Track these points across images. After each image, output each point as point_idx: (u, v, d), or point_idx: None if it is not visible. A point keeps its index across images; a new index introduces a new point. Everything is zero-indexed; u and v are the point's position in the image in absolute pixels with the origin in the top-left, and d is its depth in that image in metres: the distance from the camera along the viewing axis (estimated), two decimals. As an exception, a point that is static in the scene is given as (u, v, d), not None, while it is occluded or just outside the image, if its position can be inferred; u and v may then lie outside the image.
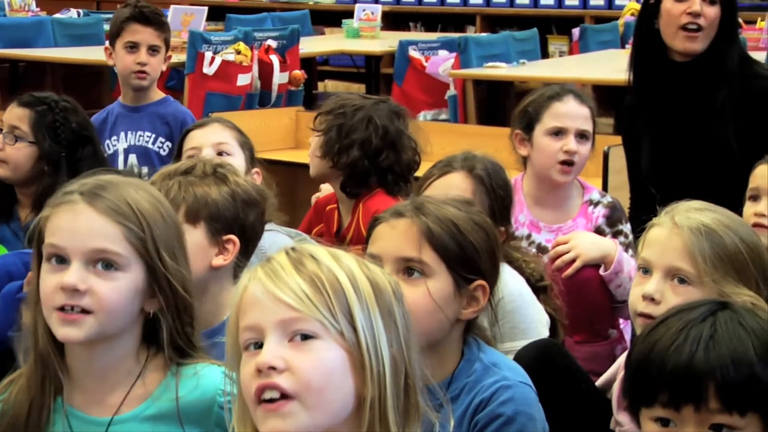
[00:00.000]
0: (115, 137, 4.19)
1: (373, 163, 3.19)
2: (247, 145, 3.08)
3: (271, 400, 1.50)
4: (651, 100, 3.47)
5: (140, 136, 4.16)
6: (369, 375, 1.51)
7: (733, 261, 2.05)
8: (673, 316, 1.65)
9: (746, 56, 3.44)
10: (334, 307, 1.51)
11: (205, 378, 1.86)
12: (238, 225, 2.34)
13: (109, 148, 4.17)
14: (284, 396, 1.49)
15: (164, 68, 4.23)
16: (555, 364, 2.33)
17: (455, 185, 2.66)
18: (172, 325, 1.85)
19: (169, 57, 4.23)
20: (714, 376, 1.54)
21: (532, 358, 2.28)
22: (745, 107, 3.33)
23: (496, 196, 2.67)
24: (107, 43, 4.23)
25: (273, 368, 1.49)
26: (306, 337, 1.50)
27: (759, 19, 6.07)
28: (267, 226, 2.83)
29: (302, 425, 1.49)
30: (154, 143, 4.16)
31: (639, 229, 2.24)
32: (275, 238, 2.88)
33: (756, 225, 2.78)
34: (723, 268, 2.04)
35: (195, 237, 2.27)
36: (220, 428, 1.84)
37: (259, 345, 1.52)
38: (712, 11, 3.32)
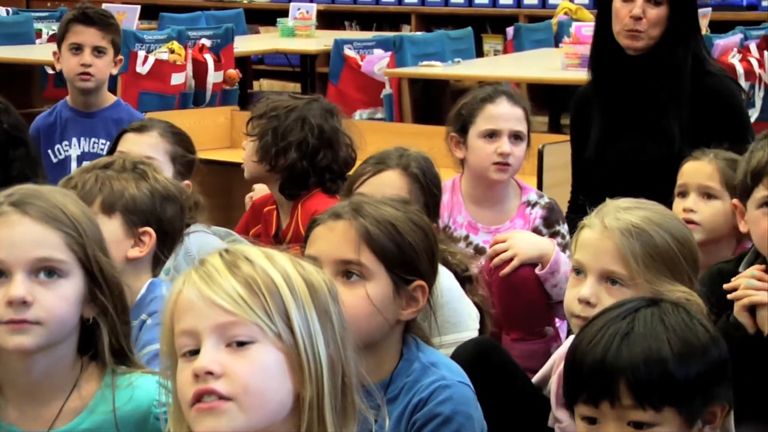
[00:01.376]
0: (66, 143, 4.08)
1: (311, 163, 3.19)
2: (180, 159, 3.03)
3: None
4: (605, 90, 3.47)
5: (95, 143, 4.07)
6: (307, 376, 1.51)
7: (665, 258, 2.06)
8: (602, 315, 1.69)
9: (700, 54, 3.46)
10: (270, 310, 1.50)
11: (140, 389, 1.84)
12: (155, 218, 2.35)
13: (60, 154, 4.08)
14: (221, 398, 1.48)
15: (114, 71, 4.12)
16: (492, 362, 2.34)
17: (390, 183, 2.67)
18: (111, 329, 1.83)
19: (120, 60, 4.11)
20: (625, 373, 1.57)
21: (469, 356, 2.29)
22: (693, 104, 3.36)
23: (431, 193, 2.68)
24: (55, 47, 4.15)
25: (210, 373, 1.48)
26: (243, 342, 1.50)
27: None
28: (194, 227, 2.83)
29: (237, 425, 1.48)
30: None
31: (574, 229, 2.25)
32: (205, 239, 2.87)
33: (685, 221, 2.82)
34: (655, 267, 2.05)
35: (110, 228, 2.26)
36: None
37: (195, 350, 1.51)
38: (655, 12, 3.34)
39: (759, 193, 2.48)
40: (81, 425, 1.83)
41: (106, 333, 1.82)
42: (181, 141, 3.07)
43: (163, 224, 2.36)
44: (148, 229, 2.33)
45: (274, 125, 3.20)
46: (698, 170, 2.88)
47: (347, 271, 1.97)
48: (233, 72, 6.24)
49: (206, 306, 1.50)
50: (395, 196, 2.37)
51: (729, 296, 2.47)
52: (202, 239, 2.87)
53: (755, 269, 2.47)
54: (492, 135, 3.22)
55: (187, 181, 3.00)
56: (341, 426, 1.53)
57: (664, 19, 3.35)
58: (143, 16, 7.05)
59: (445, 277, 2.56)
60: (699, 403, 1.60)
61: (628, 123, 3.44)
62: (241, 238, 3.06)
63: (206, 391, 1.48)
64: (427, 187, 2.68)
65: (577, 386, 1.62)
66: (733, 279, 2.49)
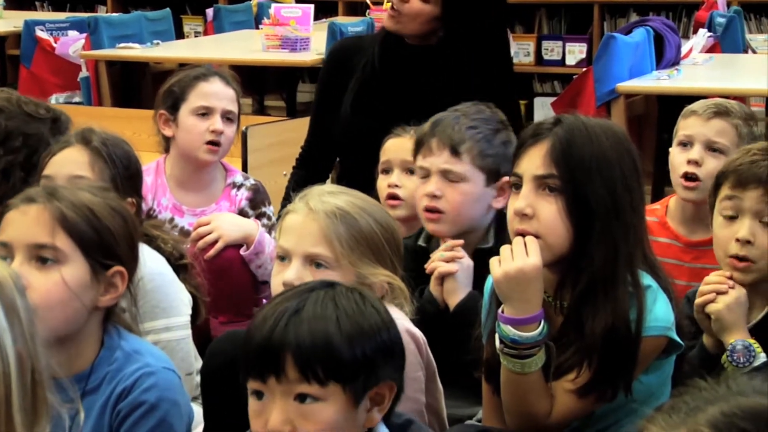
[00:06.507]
0: None
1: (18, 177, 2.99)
2: None
3: None
4: (388, 77, 3.28)
5: None
6: None
7: (369, 242, 2.09)
8: (279, 295, 1.70)
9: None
10: None
11: None
12: None
13: None
14: None
15: None
16: None
17: (73, 159, 2.58)
18: None
19: None
20: (291, 347, 1.59)
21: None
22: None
23: (117, 167, 2.61)
24: None
25: None
26: None
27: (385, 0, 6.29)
28: None
29: None
30: None
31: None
32: None
33: (390, 196, 2.88)
34: (359, 250, 2.07)
35: None
36: None
37: None
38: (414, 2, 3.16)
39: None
40: None
41: None
42: None
43: None
44: None
45: None
46: (401, 147, 2.93)
47: (41, 255, 1.91)
48: None
49: None
50: (94, 183, 2.31)
51: (426, 270, 2.55)
52: None
53: (451, 243, 2.57)
54: (205, 113, 3.19)
55: None
56: (32, 424, 1.46)
57: (424, 11, 3.16)
58: None
59: (155, 262, 2.52)
60: (364, 382, 1.62)
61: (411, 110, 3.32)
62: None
63: None
64: (111, 160, 2.60)
65: (246, 363, 1.63)
66: (432, 254, 2.58)
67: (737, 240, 2.31)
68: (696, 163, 2.89)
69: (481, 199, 2.60)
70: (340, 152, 3.38)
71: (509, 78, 3.38)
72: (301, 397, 1.60)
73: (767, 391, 1.07)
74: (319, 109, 3.42)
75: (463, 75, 3.23)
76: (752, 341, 2.27)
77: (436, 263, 2.54)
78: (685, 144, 2.94)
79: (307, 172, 3.34)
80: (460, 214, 2.57)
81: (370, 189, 2.38)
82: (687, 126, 2.95)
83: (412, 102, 3.22)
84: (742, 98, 4.81)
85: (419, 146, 2.62)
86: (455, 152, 2.56)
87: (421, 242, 2.67)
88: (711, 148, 2.90)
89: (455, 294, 2.51)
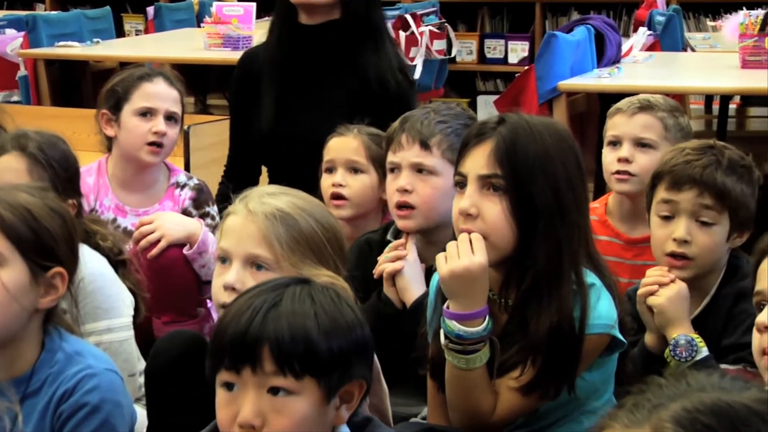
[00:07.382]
0: None
1: None
2: None
3: None
4: (285, 61, 3.37)
5: None
6: None
7: (310, 243, 2.07)
8: (252, 289, 1.70)
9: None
10: None
11: None
12: None
13: None
14: None
15: None
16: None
17: (9, 167, 2.56)
18: None
19: None
20: (269, 340, 1.59)
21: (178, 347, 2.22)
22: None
23: (56, 170, 2.58)
24: None
25: None
26: None
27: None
28: None
29: None
30: None
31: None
32: None
33: (334, 195, 2.87)
34: (300, 251, 2.06)
35: None
36: None
37: None
38: None
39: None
40: None
41: None
42: None
43: None
44: None
45: None
46: (344, 145, 2.92)
47: None
48: None
49: None
50: (33, 184, 2.28)
51: (375, 274, 2.54)
52: None
53: (393, 244, 2.57)
54: (147, 113, 3.17)
55: None
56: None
57: None
58: None
59: (96, 262, 2.50)
60: (338, 378, 1.63)
61: (309, 97, 3.35)
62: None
63: None
64: (49, 165, 2.58)
65: (219, 354, 1.62)
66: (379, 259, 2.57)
67: (674, 239, 2.35)
68: (626, 160, 2.92)
69: (452, 195, 2.59)
70: (266, 159, 3.39)
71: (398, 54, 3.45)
72: (274, 390, 1.59)
73: (727, 387, 1.09)
74: (236, 123, 3.48)
75: (362, 50, 3.28)
76: (695, 336, 2.30)
77: (383, 266, 2.54)
78: (615, 143, 2.98)
79: (234, 184, 3.35)
80: (431, 209, 2.56)
81: (304, 186, 2.36)
82: (614, 125, 2.99)
83: (320, 81, 3.28)
84: (681, 96, 4.87)
85: (389, 143, 2.62)
86: (425, 146, 2.56)
87: (389, 236, 2.66)
88: (639, 144, 2.94)
89: (409, 291, 2.51)
